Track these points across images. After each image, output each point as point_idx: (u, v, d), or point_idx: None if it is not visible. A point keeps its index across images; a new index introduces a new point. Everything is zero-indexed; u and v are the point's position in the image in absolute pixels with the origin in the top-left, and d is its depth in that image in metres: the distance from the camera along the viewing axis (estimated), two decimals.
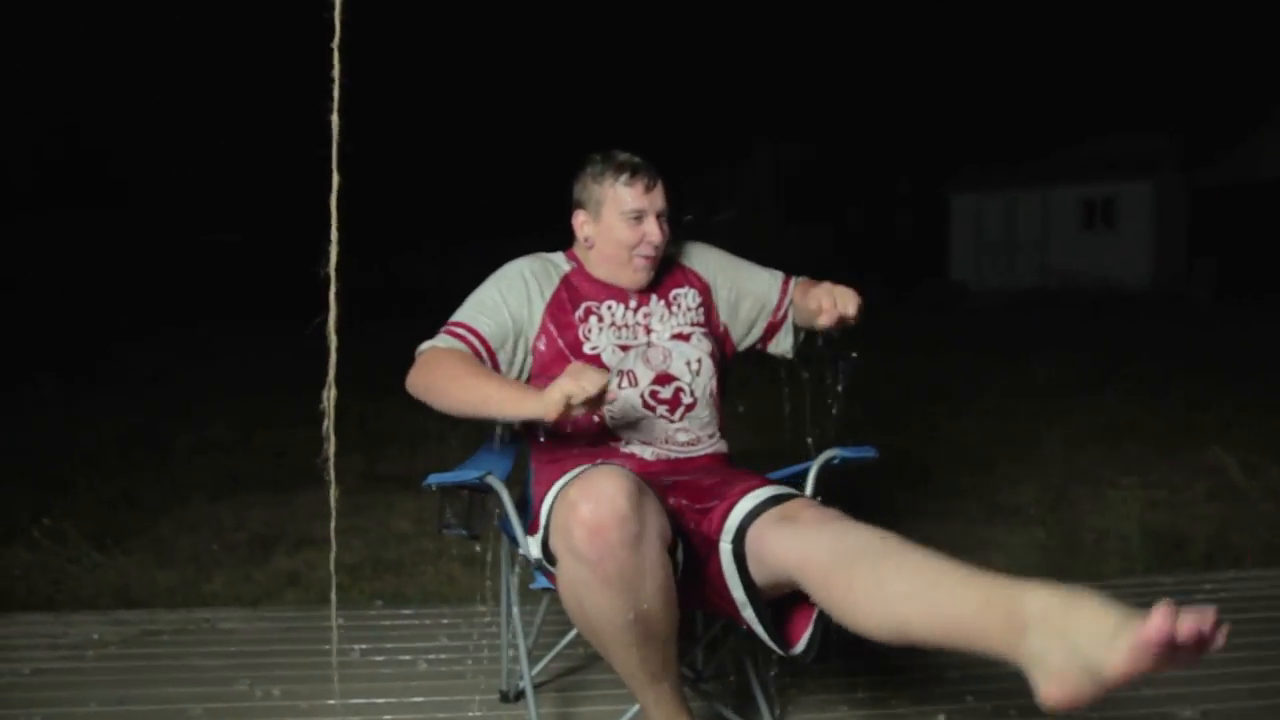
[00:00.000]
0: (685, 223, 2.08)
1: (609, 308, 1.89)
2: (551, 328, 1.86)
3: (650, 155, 1.91)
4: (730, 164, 22.54)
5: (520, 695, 2.05)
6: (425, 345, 1.82)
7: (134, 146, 17.12)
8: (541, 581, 1.74)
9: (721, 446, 1.92)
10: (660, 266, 1.93)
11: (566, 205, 1.94)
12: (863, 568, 1.37)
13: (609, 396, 1.65)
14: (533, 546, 1.66)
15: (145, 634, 2.48)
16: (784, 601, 1.58)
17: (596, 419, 1.82)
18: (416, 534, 3.33)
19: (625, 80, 20.62)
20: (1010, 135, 19.56)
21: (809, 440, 1.87)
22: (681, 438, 1.86)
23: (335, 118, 1.61)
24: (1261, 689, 2.06)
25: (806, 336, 2.01)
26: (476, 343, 1.81)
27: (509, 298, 1.86)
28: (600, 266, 1.91)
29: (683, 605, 1.56)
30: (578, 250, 1.95)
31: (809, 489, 1.76)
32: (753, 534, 1.55)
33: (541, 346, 1.86)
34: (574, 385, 1.55)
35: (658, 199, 1.87)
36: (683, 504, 1.68)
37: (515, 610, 1.91)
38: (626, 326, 1.88)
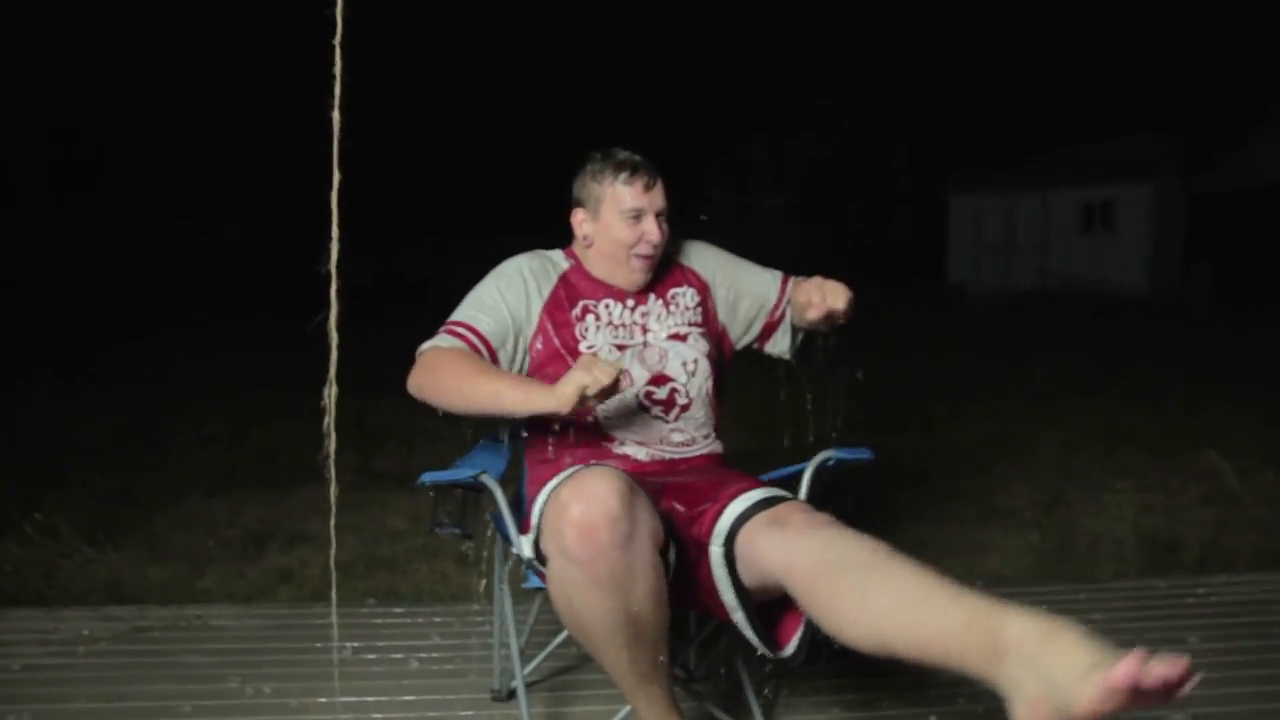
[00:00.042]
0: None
1: (606, 306, 1.88)
2: (548, 326, 1.85)
3: (651, 153, 1.91)
4: (728, 164, 22.54)
5: (512, 694, 2.04)
6: (426, 345, 1.81)
7: (133, 144, 17.09)
8: (534, 581, 1.73)
9: (717, 447, 1.92)
10: (659, 265, 1.92)
11: (567, 203, 1.93)
12: (849, 579, 1.37)
13: (622, 385, 1.65)
14: (525, 546, 1.66)
15: (136, 630, 2.47)
16: (774, 604, 1.58)
17: (591, 419, 1.82)
18: (410, 532, 3.33)
19: (626, 77, 20.62)
20: (1010, 137, 19.59)
21: (811, 437, 1.87)
22: (676, 438, 1.85)
23: (336, 114, 1.60)
24: (1253, 693, 2.06)
25: (805, 339, 2.00)
26: (477, 342, 1.81)
27: (508, 296, 1.85)
28: (598, 265, 1.91)
29: (675, 606, 1.56)
30: (576, 248, 1.95)
31: (804, 490, 1.76)
32: (742, 537, 1.55)
33: (538, 345, 1.85)
34: (588, 377, 1.56)
35: (657, 198, 1.87)
36: (675, 506, 1.67)
37: (508, 609, 1.90)
38: (623, 326, 1.88)
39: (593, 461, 1.74)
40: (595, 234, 1.88)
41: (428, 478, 1.76)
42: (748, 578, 1.56)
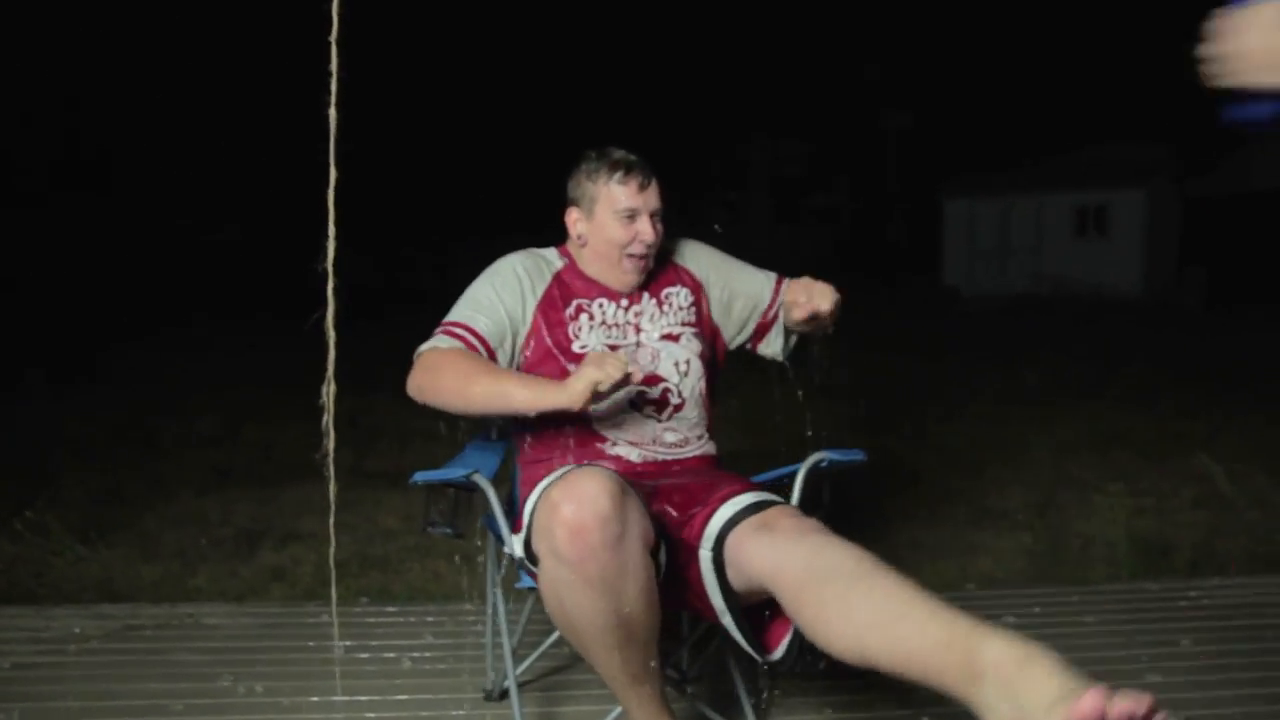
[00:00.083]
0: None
1: (600, 305, 1.88)
2: (542, 325, 1.85)
3: (647, 152, 1.91)
4: (725, 165, 22.56)
5: (505, 694, 2.04)
6: (424, 347, 1.80)
7: (132, 144, 17.04)
8: (527, 581, 1.73)
9: (710, 448, 1.92)
10: (654, 264, 1.92)
11: (563, 202, 1.93)
12: (833, 589, 1.38)
13: (633, 379, 1.66)
14: (516, 546, 1.65)
15: (127, 629, 2.46)
16: (764, 607, 1.58)
17: (592, 412, 1.81)
18: (404, 531, 3.32)
19: (623, 76, 20.63)
20: (1005, 141, 19.63)
21: (807, 436, 1.87)
22: (669, 438, 1.85)
23: (333, 112, 1.60)
24: (1243, 696, 2.06)
25: (799, 341, 2.00)
26: (476, 342, 1.80)
27: (504, 295, 1.85)
28: (592, 264, 1.90)
29: (666, 607, 1.56)
30: (571, 247, 1.94)
31: (796, 492, 1.76)
32: (731, 541, 1.55)
33: (531, 344, 1.85)
34: (600, 373, 1.58)
35: (651, 198, 1.86)
36: (666, 509, 1.67)
37: (500, 609, 1.90)
38: (616, 325, 1.88)
39: (585, 462, 1.74)
40: (589, 233, 1.88)
41: (420, 477, 1.76)
42: (736, 582, 1.56)
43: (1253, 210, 16.14)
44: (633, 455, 1.82)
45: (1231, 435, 4.62)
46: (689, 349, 1.90)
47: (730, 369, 2.08)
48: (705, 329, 1.96)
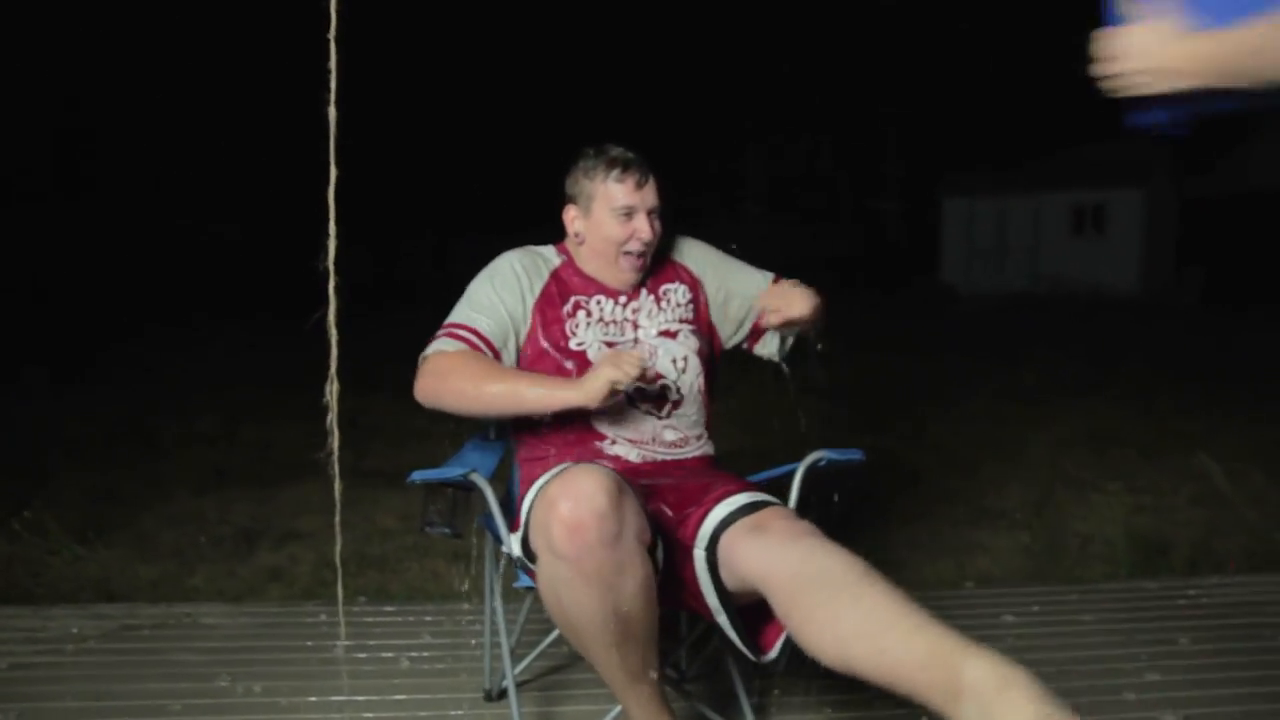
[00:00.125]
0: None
1: (598, 302, 1.88)
2: (539, 322, 1.85)
3: (645, 150, 1.90)
4: (723, 164, 22.56)
5: (503, 694, 2.04)
6: (429, 350, 1.80)
7: (132, 144, 17.02)
8: (525, 580, 1.73)
9: (709, 449, 1.92)
10: (651, 261, 1.92)
11: (561, 199, 1.93)
12: (821, 596, 1.40)
13: (649, 375, 1.66)
14: (514, 544, 1.65)
15: (125, 629, 2.46)
16: (760, 608, 1.58)
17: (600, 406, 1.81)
18: (402, 530, 3.32)
19: (622, 73, 20.61)
20: (1003, 140, 19.63)
21: (803, 434, 1.87)
22: (669, 436, 1.85)
23: (332, 110, 1.60)
24: (1242, 694, 2.06)
25: (795, 342, 2.00)
26: (480, 344, 1.80)
27: (504, 295, 1.84)
28: (590, 262, 1.90)
29: (663, 606, 1.56)
30: (569, 245, 1.94)
31: (794, 491, 1.76)
32: (724, 542, 1.56)
33: (530, 341, 1.85)
34: (618, 372, 1.60)
35: (649, 196, 1.86)
36: (663, 508, 1.68)
37: (499, 608, 1.90)
38: (614, 322, 1.88)
39: (583, 460, 1.74)
40: (586, 231, 1.88)
41: (417, 476, 1.75)
42: (730, 582, 1.56)
43: (1250, 209, 16.16)
44: (632, 455, 1.81)
45: (1229, 434, 4.62)
46: (687, 346, 1.90)
47: (729, 368, 2.07)
48: (703, 326, 1.96)
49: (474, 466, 1.75)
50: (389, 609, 2.65)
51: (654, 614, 1.53)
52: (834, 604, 1.38)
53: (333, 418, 1.59)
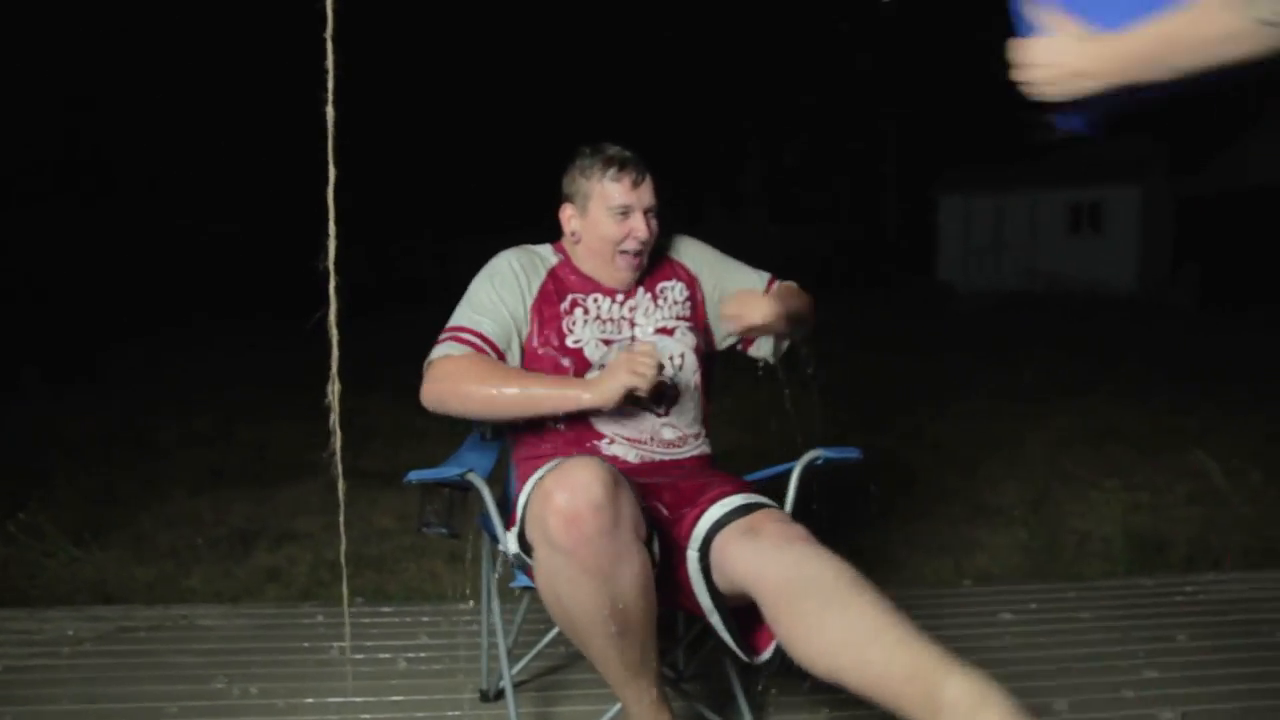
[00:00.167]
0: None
1: (595, 300, 1.88)
2: (537, 321, 1.85)
3: (642, 149, 1.90)
4: (721, 163, 22.56)
5: (500, 694, 2.03)
6: (435, 355, 1.79)
7: (132, 144, 16.99)
8: (521, 580, 1.73)
9: (706, 448, 1.91)
10: (649, 259, 1.91)
11: (558, 198, 1.92)
12: (809, 605, 1.42)
13: (665, 373, 1.69)
14: (511, 541, 1.65)
15: (121, 631, 2.45)
16: (753, 610, 1.58)
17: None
18: (399, 530, 3.31)
19: (620, 73, 20.59)
20: (999, 138, 19.62)
21: (805, 431, 1.87)
22: (667, 435, 1.85)
23: (330, 109, 1.59)
24: (1240, 691, 2.06)
25: (790, 345, 2.00)
26: (485, 346, 1.79)
27: (505, 296, 1.84)
28: (586, 261, 1.90)
29: (660, 605, 1.56)
30: (565, 244, 1.94)
31: (791, 490, 1.76)
32: (717, 544, 1.57)
33: (529, 340, 1.85)
34: (636, 379, 1.62)
35: (646, 195, 1.86)
36: (658, 507, 1.68)
37: (496, 608, 1.89)
38: (611, 320, 1.87)
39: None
40: (583, 229, 1.88)
41: (414, 476, 1.75)
42: (722, 584, 1.57)
43: (1247, 207, 16.18)
44: (630, 455, 1.81)
45: (1226, 431, 4.63)
46: (684, 343, 1.89)
47: (726, 367, 2.07)
48: (699, 324, 1.95)
49: (471, 466, 1.75)
50: (386, 610, 2.64)
51: (652, 607, 1.53)
52: (821, 614, 1.40)
53: (335, 418, 1.59)
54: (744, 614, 1.59)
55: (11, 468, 4.00)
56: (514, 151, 19.22)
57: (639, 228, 1.84)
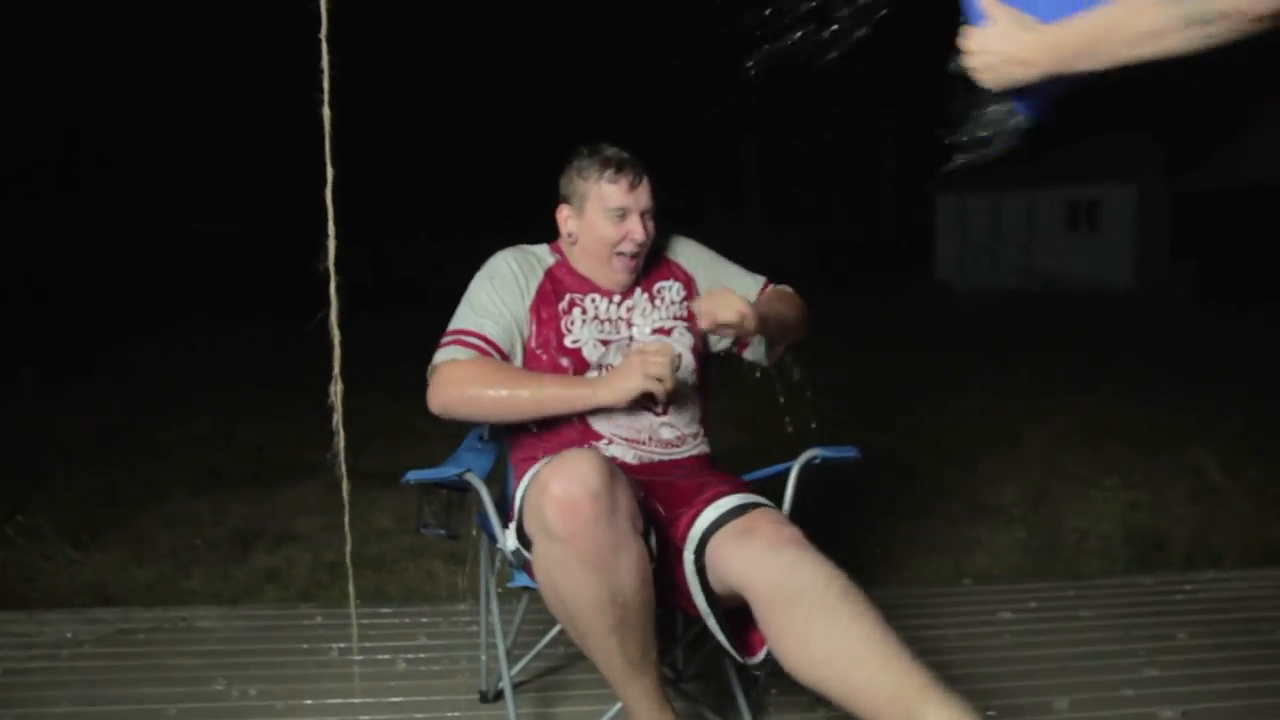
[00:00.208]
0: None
1: (592, 300, 1.88)
2: (535, 321, 1.84)
3: (639, 150, 1.90)
4: (718, 162, 22.56)
5: (499, 695, 2.03)
6: (440, 360, 1.78)
7: (129, 142, 16.97)
8: (520, 579, 1.73)
9: (704, 448, 1.91)
10: (646, 259, 1.91)
11: (555, 199, 1.92)
12: (798, 614, 1.43)
13: (676, 366, 1.70)
14: (509, 537, 1.65)
15: (120, 633, 2.45)
16: (749, 611, 1.58)
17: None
18: (397, 531, 3.31)
19: (617, 73, 20.58)
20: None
21: (804, 430, 1.87)
22: (666, 434, 1.84)
23: (326, 110, 1.59)
24: (1240, 689, 2.06)
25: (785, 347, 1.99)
26: (491, 350, 1.79)
27: (506, 296, 1.83)
28: (583, 262, 1.90)
29: (660, 604, 1.56)
30: (562, 244, 1.94)
31: (789, 489, 1.76)
32: (712, 546, 1.57)
33: (528, 342, 1.84)
34: (652, 383, 1.64)
35: (642, 196, 1.86)
36: (656, 507, 1.68)
37: (494, 609, 1.89)
38: (609, 320, 1.87)
39: None
40: (580, 231, 1.87)
41: (412, 476, 1.75)
42: (717, 585, 1.57)
43: (1244, 204, 16.20)
44: (628, 456, 1.81)
45: (1225, 429, 4.63)
46: (681, 343, 1.89)
47: (724, 367, 2.07)
48: (696, 323, 1.95)
49: (469, 467, 1.75)
50: (385, 610, 2.64)
51: (650, 599, 1.53)
52: (809, 625, 1.41)
53: (338, 419, 1.59)
54: (739, 615, 1.59)
55: (11, 469, 3.99)
56: (512, 151, 19.21)
57: (636, 229, 1.83)
